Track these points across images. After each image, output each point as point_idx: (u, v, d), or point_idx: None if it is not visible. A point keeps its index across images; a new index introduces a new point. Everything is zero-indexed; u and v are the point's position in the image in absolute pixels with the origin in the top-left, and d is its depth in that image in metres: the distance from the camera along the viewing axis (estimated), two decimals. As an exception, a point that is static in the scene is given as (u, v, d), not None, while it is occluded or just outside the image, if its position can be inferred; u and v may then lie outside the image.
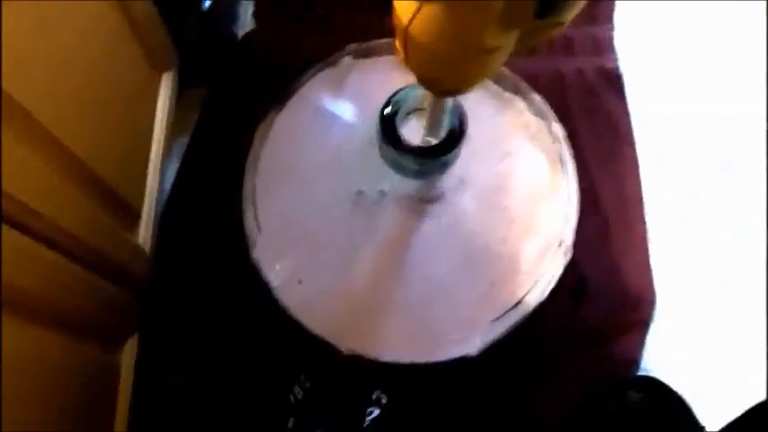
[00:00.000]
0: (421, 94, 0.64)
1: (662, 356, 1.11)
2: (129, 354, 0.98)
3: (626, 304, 1.13)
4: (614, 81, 1.32)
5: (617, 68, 1.33)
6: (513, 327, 0.75)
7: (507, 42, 0.50)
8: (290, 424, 0.94)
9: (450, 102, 0.60)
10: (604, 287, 1.14)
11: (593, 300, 1.12)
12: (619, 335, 1.11)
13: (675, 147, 1.27)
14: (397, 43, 0.50)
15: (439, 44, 0.47)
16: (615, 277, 1.15)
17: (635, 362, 1.10)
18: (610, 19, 1.38)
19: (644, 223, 1.20)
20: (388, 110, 0.66)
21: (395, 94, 0.66)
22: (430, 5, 0.46)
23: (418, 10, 0.46)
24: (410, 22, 0.47)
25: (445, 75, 0.50)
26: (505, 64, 0.55)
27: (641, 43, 1.36)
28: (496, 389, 1.02)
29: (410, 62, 0.50)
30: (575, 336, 1.10)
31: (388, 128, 0.64)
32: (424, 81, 0.52)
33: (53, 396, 0.74)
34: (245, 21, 1.35)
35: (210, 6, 1.13)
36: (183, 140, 1.23)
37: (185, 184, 1.18)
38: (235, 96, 1.25)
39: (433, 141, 0.65)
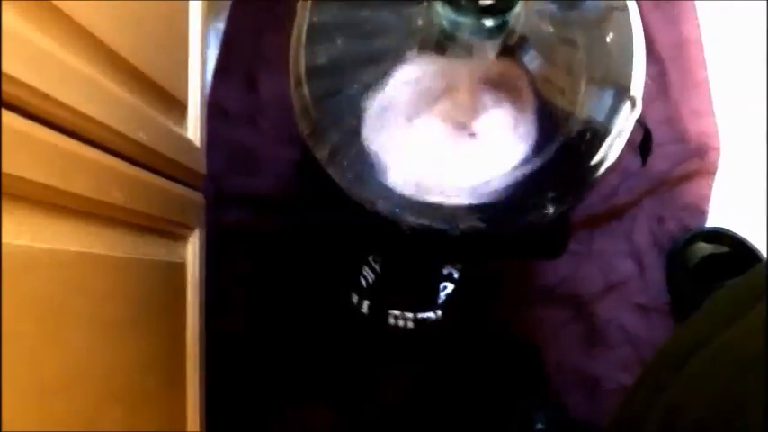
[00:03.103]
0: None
1: (728, 206, 1.07)
2: (194, 243, 0.97)
3: (690, 153, 1.09)
4: None
5: None
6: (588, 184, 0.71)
7: None
8: (365, 308, 0.95)
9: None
10: (667, 138, 1.10)
11: (657, 151, 1.08)
12: (684, 184, 1.08)
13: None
14: None
15: None
16: (677, 126, 1.11)
17: (703, 212, 1.07)
18: None
19: (705, 67, 1.14)
20: None
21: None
22: None
23: None
24: None
25: None
26: None
27: None
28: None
29: None
30: (642, 188, 1.07)
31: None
32: None
33: (124, 292, 0.74)
34: None
35: None
36: (219, 26, 1.19)
37: (228, 69, 1.16)
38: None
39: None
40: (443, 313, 0.93)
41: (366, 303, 0.94)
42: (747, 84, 1.12)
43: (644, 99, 1.11)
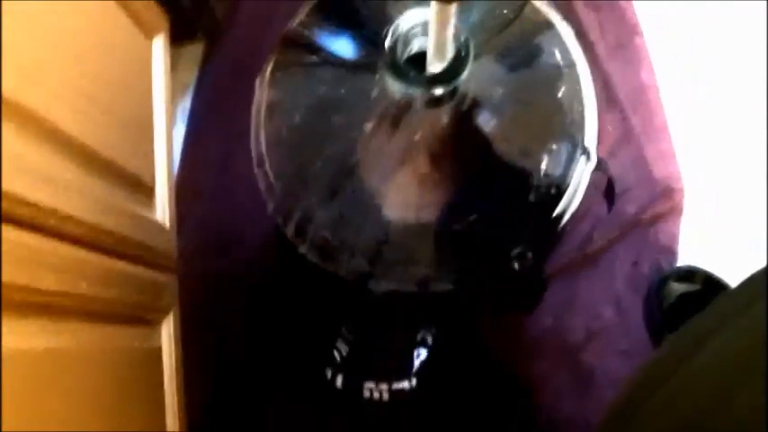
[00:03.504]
0: (421, 16, 0.61)
1: (698, 244, 1.09)
2: (168, 326, 0.97)
3: (657, 195, 1.11)
4: (614, -30, 1.28)
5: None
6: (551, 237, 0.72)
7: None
8: (339, 383, 0.94)
9: (453, 16, 0.56)
10: (633, 182, 1.12)
11: (624, 196, 1.10)
12: (655, 226, 1.10)
13: (682, 31, 1.23)
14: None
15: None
16: (642, 169, 1.13)
17: (674, 252, 1.09)
18: None
19: (663, 110, 1.17)
20: (388, 41, 0.63)
21: (394, 23, 0.63)
22: None
23: None
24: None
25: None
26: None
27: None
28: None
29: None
30: (614, 234, 1.09)
31: (391, 60, 0.61)
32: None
33: (99, 384, 0.73)
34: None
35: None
36: (186, 104, 1.21)
37: (197, 146, 1.18)
38: (232, 45, 1.23)
39: (439, 67, 0.61)
40: (419, 381, 0.93)
41: (340, 378, 0.93)
42: (706, 123, 1.15)
43: (608, 145, 1.14)
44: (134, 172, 0.91)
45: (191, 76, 1.23)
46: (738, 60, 1.18)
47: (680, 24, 1.23)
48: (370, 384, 0.92)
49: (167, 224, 1.01)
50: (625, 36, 1.23)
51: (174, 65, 1.18)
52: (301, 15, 0.78)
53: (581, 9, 1.23)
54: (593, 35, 1.21)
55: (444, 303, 0.89)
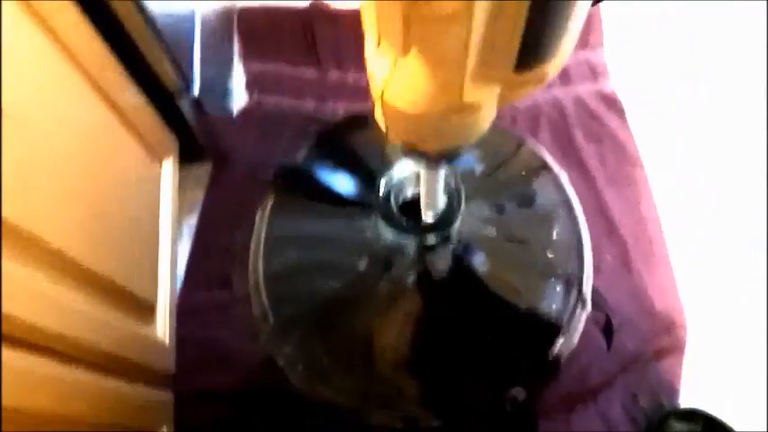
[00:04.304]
0: (413, 167, 0.63)
1: (702, 383, 1.07)
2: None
3: (659, 329, 1.10)
4: (614, 104, 1.32)
5: (614, 92, 1.33)
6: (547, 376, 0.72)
7: (488, 98, 0.48)
8: None
9: (442, 175, 0.58)
10: (634, 314, 1.11)
11: (625, 328, 1.09)
12: (656, 361, 1.08)
13: (682, 163, 1.25)
14: (377, 114, 0.48)
15: (416, 104, 0.45)
16: (643, 303, 1.12)
17: (675, 389, 1.07)
18: (601, 43, 1.38)
19: (664, 243, 1.17)
20: (382, 190, 0.64)
21: (386, 175, 0.64)
22: (404, 64, 0.45)
23: (394, 66, 0.45)
24: (385, 84, 0.46)
25: (428, 137, 0.48)
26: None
27: (631, 64, 1.36)
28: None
29: (391, 131, 0.49)
30: (614, 368, 1.07)
31: (384, 209, 0.62)
32: (408, 148, 0.51)
33: None
34: (240, 93, 1.36)
35: (201, 87, 1.13)
36: (192, 222, 1.23)
37: (200, 265, 1.18)
38: (238, 170, 1.26)
39: (432, 216, 0.62)
40: None
41: None
42: (709, 258, 1.15)
43: (608, 275, 1.14)
44: (136, 292, 0.92)
45: (199, 194, 1.25)
46: (742, 190, 1.20)
47: (681, 157, 1.25)
48: None
49: (167, 342, 1.01)
50: (626, 168, 1.25)
51: (183, 184, 1.21)
52: (301, 150, 0.80)
53: (581, 141, 1.26)
54: (594, 167, 1.23)
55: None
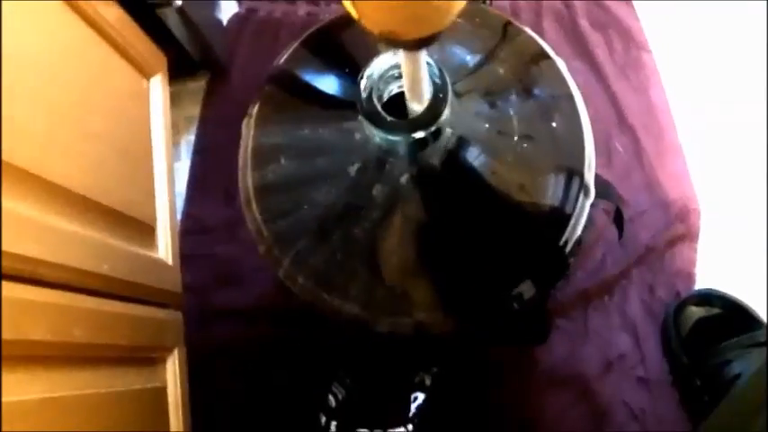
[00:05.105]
0: (393, 59, 0.59)
1: (717, 267, 1.05)
2: (173, 364, 0.96)
3: (673, 218, 1.08)
4: (619, -13, 1.26)
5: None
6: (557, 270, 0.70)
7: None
8: (333, 429, 0.92)
9: (423, 60, 0.54)
10: (647, 203, 1.09)
11: (638, 220, 1.07)
12: (671, 250, 1.07)
13: (690, 48, 1.20)
14: (346, 4, 0.45)
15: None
16: (657, 191, 1.10)
17: (691, 276, 1.05)
18: None
19: (675, 129, 1.14)
20: (363, 89, 0.60)
21: (366, 69, 0.61)
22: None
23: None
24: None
25: (404, 22, 0.45)
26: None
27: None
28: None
29: (364, 17, 0.45)
30: (629, 260, 1.06)
31: (368, 108, 0.59)
32: (383, 38, 0.47)
33: (103, 430, 0.73)
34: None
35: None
36: (191, 138, 1.21)
37: (202, 182, 1.17)
38: (234, 81, 1.24)
39: (419, 109, 0.59)
40: (415, 427, 0.90)
41: (334, 424, 0.91)
42: (720, 141, 1.12)
43: (620, 167, 1.11)
44: (134, 213, 0.90)
45: (195, 109, 1.23)
46: (752, 73, 1.15)
47: (689, 40, 1.20)
48: (364, 431, 0.90)
49: (170, 261, 1.00)
50: (633, 53, 1.20)
51: (179, 100, 1.19)
52: (287, 52, 0.76)
53: (587, 29, 1.21)
54: (601, 55, 1.18)
55: (444, 344, 0.87)
